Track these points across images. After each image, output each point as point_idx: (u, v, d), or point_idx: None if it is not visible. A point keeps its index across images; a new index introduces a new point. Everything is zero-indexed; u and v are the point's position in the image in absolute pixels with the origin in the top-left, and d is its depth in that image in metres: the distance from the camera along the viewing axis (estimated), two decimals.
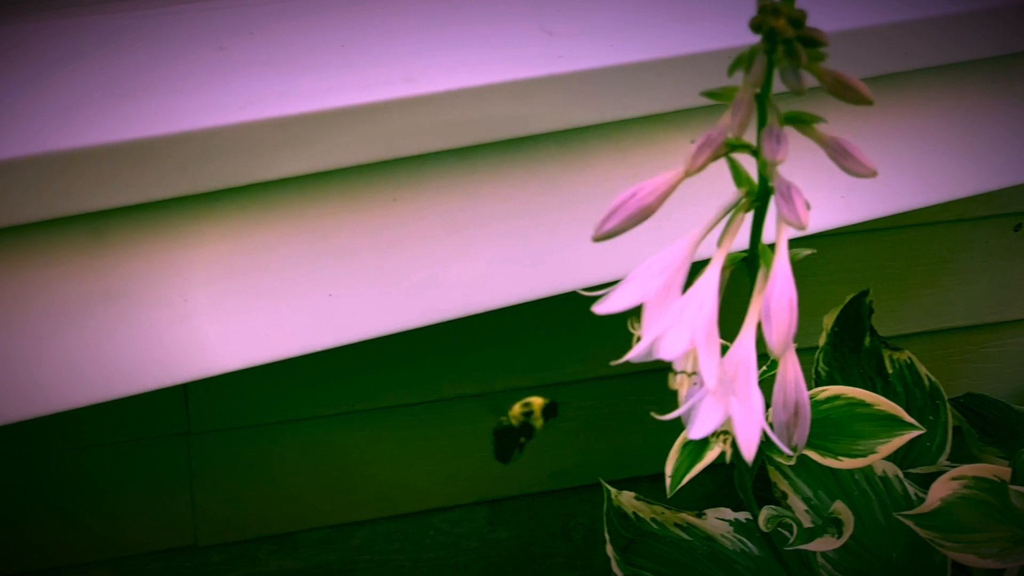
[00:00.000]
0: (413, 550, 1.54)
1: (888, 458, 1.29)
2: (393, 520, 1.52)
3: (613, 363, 0.73)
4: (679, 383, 0.73)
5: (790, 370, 0.76)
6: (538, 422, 0.83)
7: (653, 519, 1.19)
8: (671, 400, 0.74)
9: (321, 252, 0.89)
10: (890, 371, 1.37)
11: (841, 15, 0.96)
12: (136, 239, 0.84)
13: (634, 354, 0.72)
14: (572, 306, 1.32)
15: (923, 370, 1.37)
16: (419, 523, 1.53)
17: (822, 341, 1.36)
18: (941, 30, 0.98)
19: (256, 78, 0.84)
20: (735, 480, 0.95)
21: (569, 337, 1.44)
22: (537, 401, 0.82)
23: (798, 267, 1.47)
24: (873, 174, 0.71)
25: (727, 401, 0.71)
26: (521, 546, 1.58)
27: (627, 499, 1.19)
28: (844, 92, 0.70)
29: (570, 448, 1.53)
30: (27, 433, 1.31)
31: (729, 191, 0.74)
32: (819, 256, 1.47)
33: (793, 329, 0.69)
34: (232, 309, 0.87)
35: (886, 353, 1.38)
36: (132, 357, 0.86)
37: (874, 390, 1.33)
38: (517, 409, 0.82)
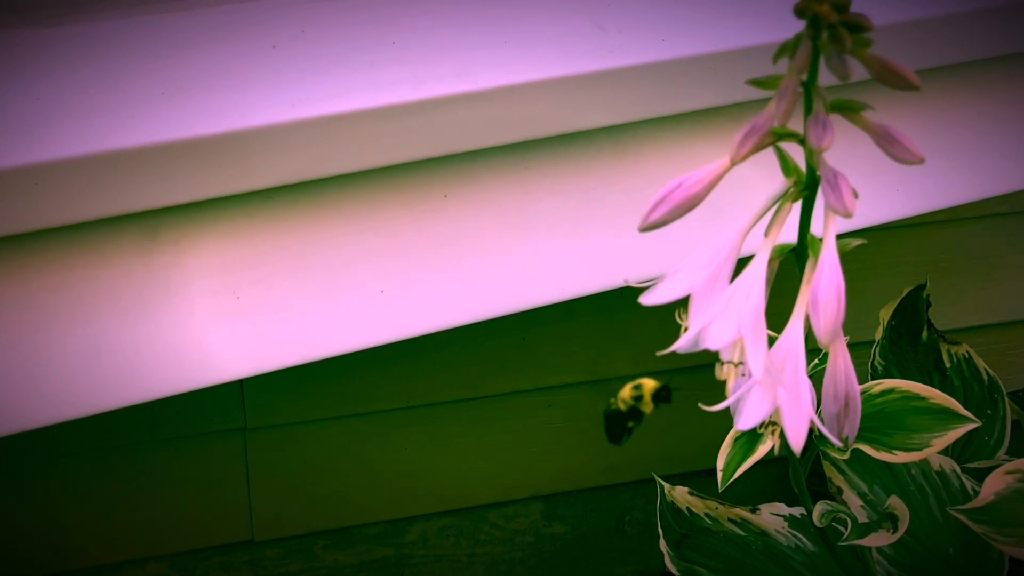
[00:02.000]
0: (468, 544, 1.54)
1: (945, 452, 1.28)
2: (447, 515, 1.52)
3: (660, 353, 0.73)
4: (726, 373, 0.72)
5: (840, 361, 0.76)
6: (647, 407, 0.81)
7: (707, 514, 1.18)
8: (725, 395, 0.74)
9: (372, 249, 0.89)
10: (948, 365, 1.36)
11: (897, 7, 0.95)
12: (190, 237, 0.84)
13: (681, 344, 0.72)
14: (625, 300, 1.31)
15: (981, 364, 1.36)
16: (474, 518, 1.53)
17: (879, 335, 1.35)
18: (1000, 19, 0.97)
19: (308, 76, 0.85)
20: (790, 475, 0.95)
21: (622, 331, 1.43)
22: (648, 384, 0.80)
23: (854, 261, 1.47)
24: (921, 161, 0.70)
25: (775, 391, 0.71)
26: (576, 540, 1.58)
27: (680, 494, 1.19)
28: (891, 78, 0.69)
29: (624, 443, 1.53)
30: (87, 430, 1.33)
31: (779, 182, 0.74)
32: (876, 249, 1.47)
33: (841, 318, 0.69)
34: (284, 306, 0.88)
35: (944, 347, 1.37)
36: (187, 354, 0.87)
37: (931, 384, 1.32)
38: (627, 392, 0.80)
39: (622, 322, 1.43)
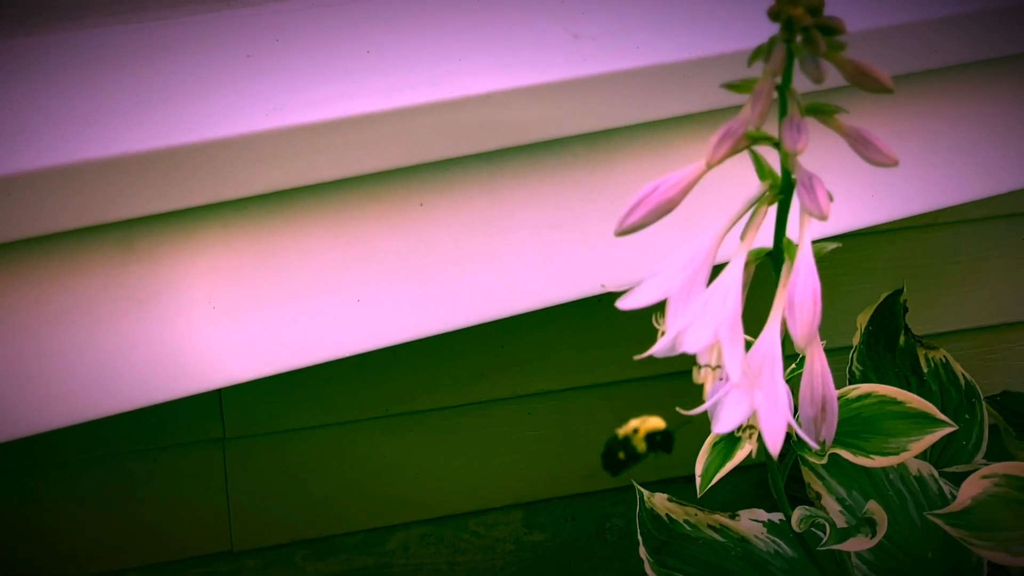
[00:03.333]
0: (448, 553, 1.54)
1: (924, 457, 1.28)
2: (428, 523, 1.52)
3: (637, 357, 0.73)
4: (704, 377, 0.72)
5: (816, 365, 0.76)
6: (640, 445, 0.80)
7: (686, 520, 1.19)
8: (702, 400, 0.74)
9: (349, 257, 0.89)
10: (925, 370, 1.36)
11: (871, 13, 0.95)
12: (165, 247, 0.84)
13: (658, 348, 0.72)
14: (603, 307, 1.31)
15: (959, 368, 1.37)
16: (454, 526, 1.53)
17: (856, 340, 1.35)
18: (972, 26, 0.98)
19: (283, 85, 0.85)
20: (769, 481, 0.95)
21: (601, 339, 1.44)
22: (648, 423, 0.78)
23: (831, 266, 1.48)
24: (894, 163, 0.70)
25: (752, 395, 0.71)
26: (556, 548, 1.58)
27: (660, 501, 1.19)
28: (864, 80, 0.70)
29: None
30: (62, 441, 1.32)
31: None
32: (853, 255, 1.47)
33: (817, 321, 0.69)
34: (261, 315, 0.88)
35: (921, 352, 1.37)
36: (163, 364, 0.87)
37: (909, 389, 1.32)
38: (629, 427, 0.80)
39: (601, 330, 1.43)
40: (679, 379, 0.75)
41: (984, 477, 1.02)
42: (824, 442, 0.78)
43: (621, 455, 0.80)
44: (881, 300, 1.37)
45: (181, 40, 0.90)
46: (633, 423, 0.77)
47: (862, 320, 1.36)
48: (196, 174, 0.80)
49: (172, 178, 0.80)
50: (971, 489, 1.02)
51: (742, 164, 0.75)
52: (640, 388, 1.49)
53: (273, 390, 1.35)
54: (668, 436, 0.77)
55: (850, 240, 1.42)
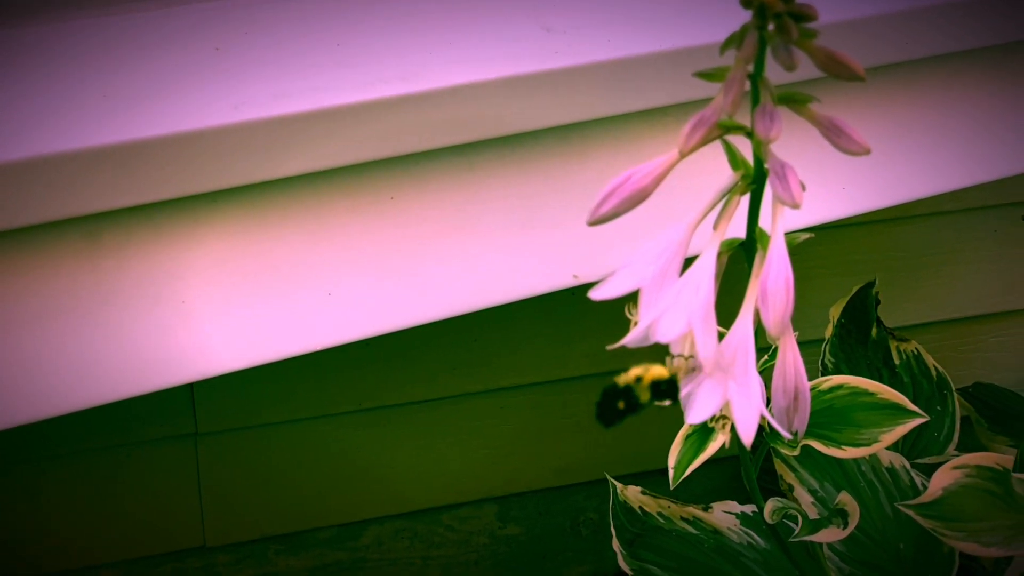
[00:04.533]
0: (422, 547, 1.54)
1: (896, 449, 1.29)
2: (401, 518, 1.52)
3: (609, 347, 0.73)
4: (676, 367, 0.72)
5: (789, 355, 0.76)
6: (643, 395, 0.76)
7: (660, 513, 1.19)
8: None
9: (319, 251, 0.89)
10: (897, 362, 1.37)
11: (843, 5, 0.95)
12: (134, 242, 0.84)
13: (631, 338, 0.72)
14: (577, 301, 1.31)
15: (930, 360, 1.37)
16: (428, 520, 1.53)
17: (829, 333, 1.36)
18: (943, 18, 0.98)
19: (252, 78, 0.84)
20: (742, 473, 0.95)
21: (575, 332, 1.44)
22: (652, 371, 0.73)
23: (805, 259, 1.48)
24: (867, 151, 0.70)
25: (725, 385, 0.71)
26: (530, 542, 1.58)
27: (633, 493, 1.19)
28: (836, 68, 0.70)
29: (577, 443, 1.53)
30: (32, 437, 1.32)
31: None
32: (826, 248, 1.48)
33: (790, 310, 0.69)
34: (231, 310, 0.87)
35: (893, 344, 1.38)
36: (133, 359, 0.86)
37: (881, 381, 1.33)
38: (631, 374, 0.75)
39: (574, 323, 1.43)
40: None
41: (955, 468, 1.02)
42: (796, 433, 0.79)
43: (621, 405, 0.76)
44: (853, 292, 1.37)
45: (148, 33, 0.90)
46: (635, 371, 0.74)
47: (835, 312, 1.37)
48: (165, 168, 0.80)
49: (140, 172, 0.80)
50: (942, 480, 1.02)
51: (715, 154, 0.75)
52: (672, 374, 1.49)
53: (245, 385, 1.35)
54: (673, 384, 0.73)
55: (823, 233, 1.43)
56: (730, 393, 0.72)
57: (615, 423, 0.75)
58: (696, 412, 0.73)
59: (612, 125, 0.93)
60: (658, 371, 0.73)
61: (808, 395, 0.77)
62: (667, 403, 0.74)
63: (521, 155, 0.92)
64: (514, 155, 0.91)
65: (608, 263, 0.94)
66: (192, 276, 0.86)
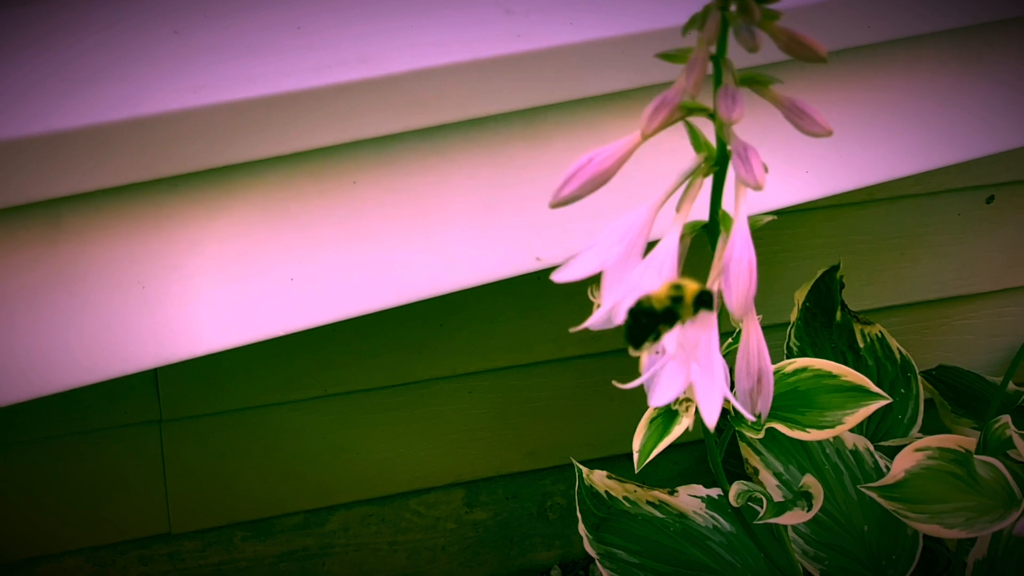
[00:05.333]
0: (389, 533, 1.54)
1: (860, 431, 1.29)
2: (368, 503, 1.52)
3: (572, 330, 0.73)
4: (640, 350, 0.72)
5: (752, 337, 0.76)
6: (687, 312, 0.70)
7: (625, 497, 1.19)
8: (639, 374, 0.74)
9: (281, 236, 0.88)
10: (861, 345, 1.38)
11: None
12: (95, 226, 0.83)
13: (594, 320, 0.72)
14: (543, 285, 1.31)
15: (894, 343, 1.38)
16: (395, 506, 1.53)
17: (794, 316, 1.36)
18: (906, 1, 0.98)
19: (211, 62, 0.84)
20: (708, 457, 0.95)
21: (542, 317, 1.43)
22: (690, 287, 0.70)
23: (769, 243, 1.48)
24: (829, 133, 0.70)
25: (688, 367, 0.71)
26: (498, 526, 1.58)
27: (599, 478, 1.20)
28: (798, 49, 0.70)
29: (544, 428, 1.53)
30: None
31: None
32: (790, 232, 1.48)
33: (753, 292, 0.69)
34: (192, 295, 0.87)
35: (857, 327, 1.38)
36: (95, 344, 0.86)
37: (846, 364, 1.34)
38: (664, 291, 0.71)
39: (541, 308, 1.43)
40: (621, 356, 0.74)
41: (918, 450, 1.03)
42: (760, 415, 0.79)
43: (662, 327, 0.72)
44: (818, 276, 1.38)
45: (104, 15, 0.89)
46: (666, 289, 0.71)
47: (799, 296, 1.37)
48: (123, 152, 0.79)
49: (99, 156, 0.79)
50: (904, 462, 1.03)
51: (678, 136, 0.75)
52: (582, 366, 1.50)
53: (210, 371, 1.34)
54: (710, 294, 0.71)
55: (788, 216, 1.43)
56: (693, 376, 0.72)
57: (644, 344, 0.71)
58: (659, 395, 0.73)
59: (575, 108, 0.93)
60: (694, 284, 0.71)
61: (771, 377, 0.78)
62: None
63: (484, 139, 0.91)
64: (477, 139, 0.91)
65: (571, 246, 0.93)
66: (152, 261, 0.85)
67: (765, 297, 1.40)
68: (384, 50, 0.86)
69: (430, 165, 0.91)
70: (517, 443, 1.54)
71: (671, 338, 0.70)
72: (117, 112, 0.78)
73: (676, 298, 0.69)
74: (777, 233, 1.47)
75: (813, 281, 1.37)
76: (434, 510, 1.55)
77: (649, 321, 0.69)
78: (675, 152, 0.77)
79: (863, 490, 1.03)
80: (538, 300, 1.41)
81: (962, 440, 1.04)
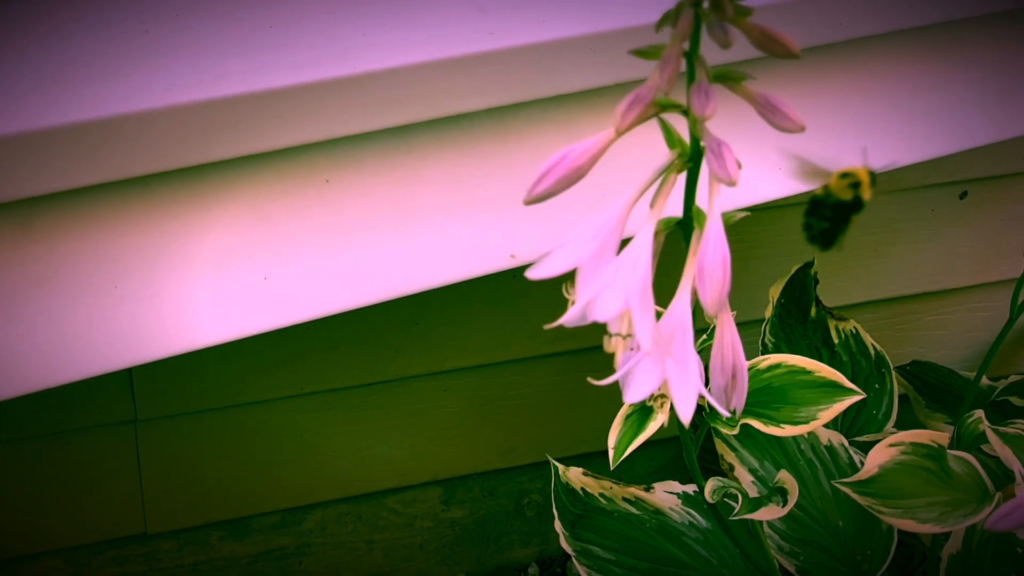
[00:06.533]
0: (367, 531, 1.54)
1: (835, 427, 1.30)
2: (345, 502, 1.52)
3: (547, 327, 0.73)
4: (614, 346, 0.72)
5: (727, 333, 0.76)
6: (867, 192, 0.69)
7: (602, 494, 1.19)
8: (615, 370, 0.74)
9: (254, 235, 0.88)
10: (836, 341, 1.38)
11: None
12: (67, 227, 0.83)
13: (568, 317, 0.72)
14: (518, 284, 1.32)
15: (868, 339, 1.38)
16: (372, 504, 1.53)
17: (769, 313, 1.37)
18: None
19: (183, 60, 0.84)
20: (683, 453, 0.95)
21: (516, 314, 1.44)
22: (861, 171, 0.69)
23: (744, 239, 1.48)
24: (801, 128, 0.70)
25: (663, 363, 0.71)
26: (475, 524, 1.58)
27: (575, 475, 1.20)
28: (770, 45, 0.70)
29: (521, 426, 1.53)
30: None
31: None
32: (765, 228, 1.48)
33: (727, 288, 0.69)
34: (164, 294, 0.87)
35: (832, 323, 1.39)
36: (67, 345, 0.85)
37: (820, 360, 1.34)
38: (839, 183, 0.70)
39: (516, 306, 1.43)
40: (597, 353, 0.74)
41: (891, 445, 1.03)
42: (735, 411, 0.79)
43: (854, 216, 0.70)
44: (792, 273, 1.38)
45: (75, 14, 0.88)
46: (839, 180, 0.70)
47: (774, 293, 1.38)
48: (96, 151, 0.79)
49: (72, 156, 0.79)
50: (878, 457, 1.03)
51: (653, 133, 0.75)
52: (557, 363, 1.50)
53: (185, 370, 1.34)
54: (875, 174, 0.69)
55: (762, 213, 1.43)
56: (668, 372, 0.72)
57: (838, 241, 0.71)
58: (634, 391, 0.73)
59: (549, 106, 0.93)
60: (863, 170, 0.70)
61: (745, 373, 0.78)
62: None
63: (458, 136, 0.91)
64: (451, 137, 0.91)
65: (546, 243, 0.93)
66: (125, 261, 0.85)
67: (740, 293, 1.40)
68: (357, 48, 0.86)
69: (404, 163, 0.91)
70: (494, 441, 1.54)
71: (645, 333, 0.70)
72: (88, 112, 0.78)
73: (854, 183, 0.69)
74: (752, 229, 1.48)
75: (788, 277, 1.38)
76: (411, 508, 1.55)
77: (837, 213, 0.69)
78: (649, 148, 0.77)
79: (837, 485, 1.03)
80: (514, 297, 1.42)
81: (935, 435, 1.04)
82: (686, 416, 0.71)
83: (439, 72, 0.86)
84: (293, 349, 1.38)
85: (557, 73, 0.90)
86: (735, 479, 1.19)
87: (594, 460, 1.56)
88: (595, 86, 0.92)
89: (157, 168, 0.82)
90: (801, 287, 1.38)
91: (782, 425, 0.93)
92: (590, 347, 1.47)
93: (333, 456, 1.48)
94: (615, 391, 0.75)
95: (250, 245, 0.88)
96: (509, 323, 1.44)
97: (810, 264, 1.38)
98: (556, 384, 1.51)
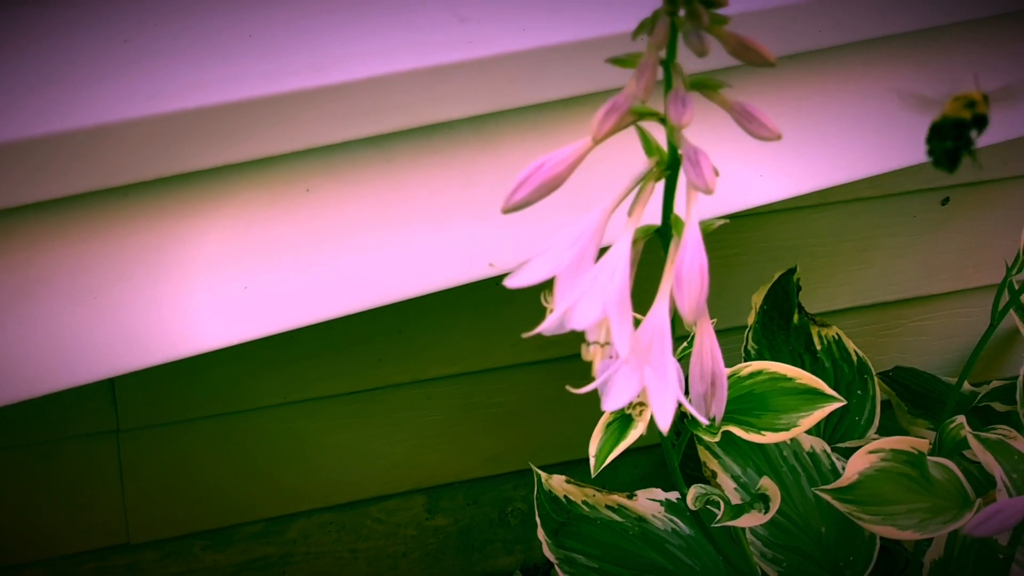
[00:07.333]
0: (350, 540, 1.53)
1: (817, 433, 1.30)
2: (329, 511, 1.51)
3: (525, 335, 0.73)
4: (592, 354, 0.72)
5: (706, 341, 0.76)
6: (983, 107, 0.70)
7: (584, 502, 1.19)
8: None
9: (234, 245, 0.88)
10: (818, 347, 1.38)
11: None
12: (45, 236, 0.83)
13: (546, 326, 0.72)
14: (500, 292, 1.31)
15: (851, 345, 1.39)
16: (355, 513, 1.53)
17: (751, 320, 1.37)
18: (855, 6, 0.99)
19: (163, 70, 0.83)
20: (666, 460, 0.95)
21: (499, 323, 1.44)
22: (975, 92, 0.70)
23: (725, 247, 1.49)
24: (777, 136, 0.71)
25: (642, 371, 0.71)
26: (459, 532, 1.58)
27: (558, 482, 1.20)
28: (746, 54, 0.70)
29: (505, 433, 1.53)
30: None
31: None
32: (747, 235, 1.49)
33: (705, 295, 0.69)
34: (144, 304, 0.86)
35: (814, 330, 1.39)
36: (47, 355, 0.85)
37: (803, 366, 1.34)
38: (954, 105, 0.71)
39: (499, 313, 1.43)
40: (578, 361, 0.74)
41: (871, 452, 1.03)
42: (715, 419, 0.79)
43: (976, 132, 0.71)
44: (775, 279, 1.38)
45: (53, 24, 0.88)
46: (955, 104, 0.71)
47: (757, 300, 1.38)
48: (74, 162, 0.79)
49: (49, 166, 0.78)
50: (858, 464, 1.03)
51: (631, 141, 0.75)
52: (541, 370, 1.50)
53: (167, 380, 1.33)
54: (986, 95, 0.70)
55: (744, 220, 1.44)
56: (647, 380, 0.72)
57: (960, 160, 0.72)
58: (613, 399, 0.73)
59: (527, 115, 0.93)
60: (977, 92, 0.71)
61: (725, 380, 0.78)
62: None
63: (437, 145, 0.91)
64: (430, 145, 0.91)
65: (524, 251, 0.93)
66: (104, 270, 0.85)
67: (722, 300, 1.41)
68: (337, 57, 0.86)
69: (382, 172, 0.91)
70: (477, 448, 1.54)
71: (623, 341, 0.70)
72: (66, 122, 0.78)
73: (969, 103, 0.70)
74: (733, 236, 1.48)
75: (770, 284, 1.38)
76: (395, 517, 1.54)
77: (959, 132, 0.70)
78: (628, 156, 0.77)
79: (818, 492, 1.03)
80: (497, 305, 1.42)
81: (915, 442, 1.04)
82: (664, 424, 0.71)
83: (419, 81, 0.86)
84: (275, 358, 1.38)
85: (536, 81, 0.90)
86: (718, 486, 1.19)
87: (578, 468, 1.56)
88: (574, 94, 0.92)
89: (135, 178, 0.82)
90: (784, 293, 1.38)
91: (763, 432, 0.93)
92: (573, 355, 1.46)
93: (316, 465, 1.48)
94: (597, 399, 0.75)
95: (230, 255, 0.88)
96: (492, 331, 1.45)
97: (792, 271, 1.38)
98: (540, 392, 1.51)
